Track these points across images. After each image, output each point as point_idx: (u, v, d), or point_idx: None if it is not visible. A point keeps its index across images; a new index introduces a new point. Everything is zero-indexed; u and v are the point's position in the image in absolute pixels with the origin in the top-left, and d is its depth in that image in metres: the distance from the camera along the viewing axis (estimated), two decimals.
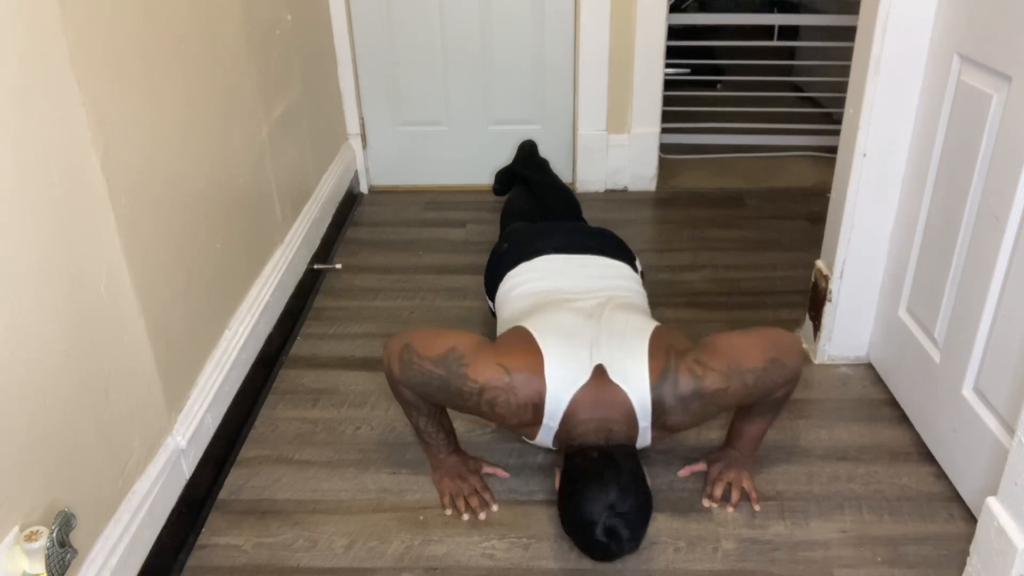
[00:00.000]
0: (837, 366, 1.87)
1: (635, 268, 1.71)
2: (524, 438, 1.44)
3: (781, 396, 1.42)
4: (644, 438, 1.36)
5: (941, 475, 1.54)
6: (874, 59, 1.57)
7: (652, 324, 1.42)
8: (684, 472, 1.55)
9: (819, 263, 1.86)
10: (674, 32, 2.84)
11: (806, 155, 3.10)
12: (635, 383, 1.32)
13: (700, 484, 1.53)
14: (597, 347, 1.35)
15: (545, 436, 1.38)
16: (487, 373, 1.33)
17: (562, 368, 1.33)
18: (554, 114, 2.78)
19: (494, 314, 1.73)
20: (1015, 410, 1.30)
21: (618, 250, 1.71)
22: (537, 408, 1.33)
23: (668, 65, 2.75)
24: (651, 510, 1.30)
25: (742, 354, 1.36)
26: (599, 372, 1.33)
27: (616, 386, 1.32)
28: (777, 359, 1.36)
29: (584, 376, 1.33)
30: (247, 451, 1.64)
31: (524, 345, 1.36)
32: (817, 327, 1.86)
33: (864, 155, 1.65)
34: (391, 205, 2.78)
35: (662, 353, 1.34)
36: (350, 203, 2.72)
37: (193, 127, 1.51)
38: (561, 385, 1.32)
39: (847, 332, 1.84)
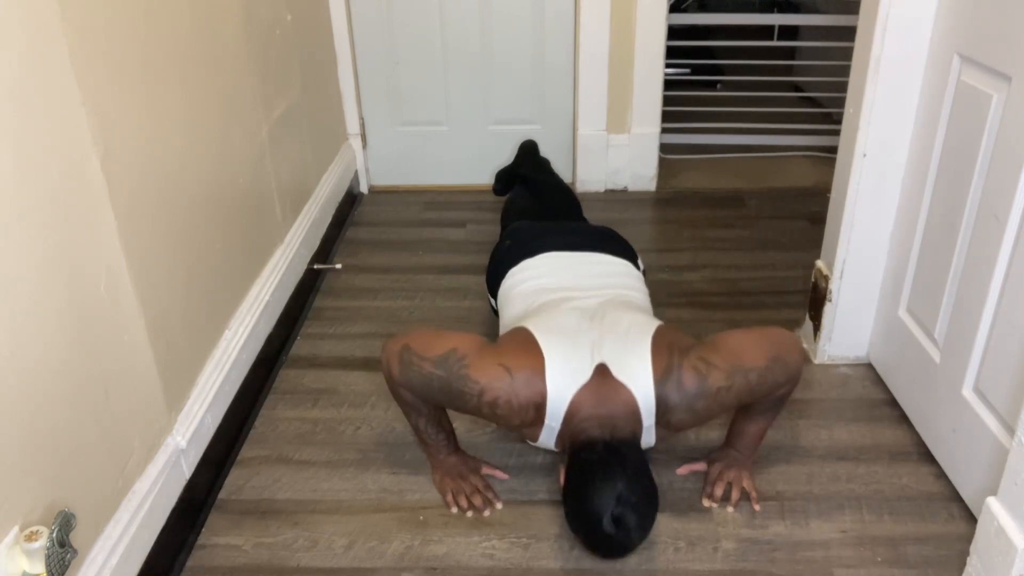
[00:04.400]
0: (837, 366, 1.87)
1: (637, 266, 1.71)
2: (527, 440, 1.44)
3: (781, 395, 1.42)
4: (649, 437, 1.36)
5: (941, 475, 1.54)
6: (874, 59, 1.57)
7: (655, 323, 1.42)
8: (683, 471, 1.55)
9: (819, 263, 1.86)
10: (674, 32, 2.84)
11: (806, 155, 3.10)
12: (639, 381, 1.32)
13: (700, 484, 1.53)
14: (599, 347, 1.35)
15: (547, 437, 1.38)
16: (488, 374, 1.33)
17: (563, 368, 1.33)
18: (554, 114, 2.78)
19: (496, 312, 1.73)
20: (1015, 410, 1.30)
21: (620, 248, 1.71)
22: (539, 408, 1.33)
23: (668, 65, 2.74)
24: (658, 501, 1.29)
25: (745, 352, 1.36)
26: (601, 371, 1.33)
27: (620, 383, 1.32)
28: (779, 357, 1.37)
29: (585, 375, 1.33)
30: (247, 451, 1.64)
31: (525, 346, 1.36)
32: (817, 327, 1.86)
33: (864, 155, 1.65)
34: (391, 205, 2.78)
35: (665, 351, 1.34)
36: (350, 203, 2.72)
37: (193, 127, 1.51)
38: (562, 385, 1.32)
39: (847, 332, 1.84)
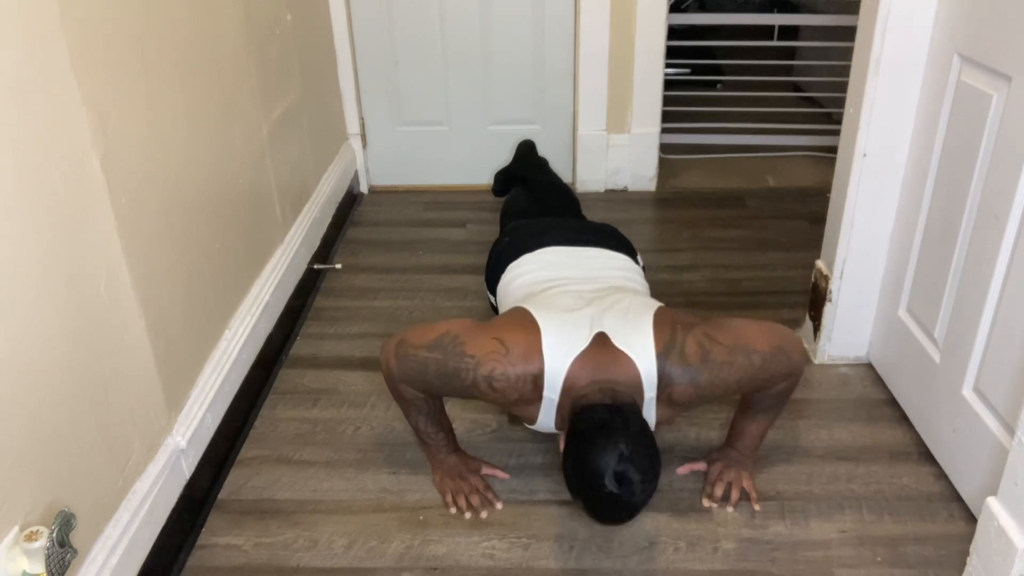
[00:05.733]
0: (837, 366, 1.87)
1: (636, 261, 1.71)
2: (526, 424, 1.42)
3: (782, 391, 1.42)
4: (650, 411, 1.34)
5: (941, 475, 1.54)
6: (874, 59, 1.57)
7: (656, 303, 1.42)
8: (683, 470, 1.55)
9: (819, 263, 1.86)
10: (674, 32, 2.84)
11: (806, 155, 3.10)
12: (640, 351, 1.31)
13: (700, 484, 1.53)
14: (599, 319, 1.34)
15: (547, 413, 1.36)
16: (484, 347, 1.32)
17: (560, 338, 1.32)
18: (554, 114, 2.78)
19: (495, 309, 1.73)
20: (1015, 410, 1.30)
21: (619, 244, 1.71)
22: (536, 379, 1.32)
23: (668, 65, 2.74)
24: (660, 463, 1.24)
25: (749, 336, 1.35)
26: (600, 339, 1.32)
27: (620, 351, 1.31)
28: (783, 348, 1.36)
29: (583, 343, 1.31)
30: (247, 451, 1.65)
31: (521, 321, 1.36)
32: (817, 327, 1.86)
33: (864, 155, 1.65)
34: (391, 205, 2.78)
35: (667, 326, 1.34)
36: (350, 203, 2.72)
37: (193, 127, 1.51)
38: (559, 353, 1.31)
39: (847, 332, 1.84)
